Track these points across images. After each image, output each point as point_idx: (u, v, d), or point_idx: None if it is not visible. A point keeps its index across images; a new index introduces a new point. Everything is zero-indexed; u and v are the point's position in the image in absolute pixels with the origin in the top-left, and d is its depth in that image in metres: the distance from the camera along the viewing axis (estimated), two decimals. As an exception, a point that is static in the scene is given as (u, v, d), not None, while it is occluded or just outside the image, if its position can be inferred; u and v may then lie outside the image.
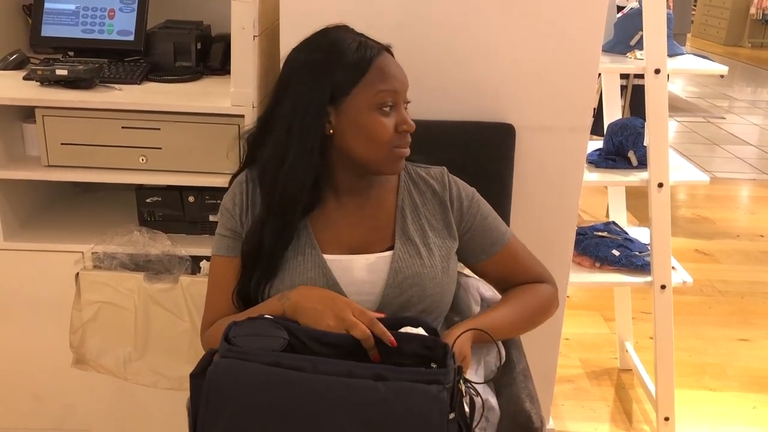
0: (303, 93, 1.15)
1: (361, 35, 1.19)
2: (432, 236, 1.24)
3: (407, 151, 1.20)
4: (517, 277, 1.33)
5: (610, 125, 2.13)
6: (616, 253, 1.98)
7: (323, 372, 0.97)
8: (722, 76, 2.11)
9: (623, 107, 4.06)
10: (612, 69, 2.09)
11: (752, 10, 10.18)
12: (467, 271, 1.44)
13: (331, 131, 1.16)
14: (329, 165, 1.19)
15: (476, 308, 1.33)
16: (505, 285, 1.34)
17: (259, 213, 1.20)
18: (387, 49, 1.20)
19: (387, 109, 1.15)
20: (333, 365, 0.98)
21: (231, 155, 1.29)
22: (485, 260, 1.31)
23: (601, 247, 2.01)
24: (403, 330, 1.10)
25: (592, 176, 2.00)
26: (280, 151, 1.16)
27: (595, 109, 3.04)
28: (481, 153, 1.55)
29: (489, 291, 1.37)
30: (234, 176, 1.28)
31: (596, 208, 3.76)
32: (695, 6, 10.29)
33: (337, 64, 1.14)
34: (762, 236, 3.77)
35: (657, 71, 1.81)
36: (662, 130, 1.87)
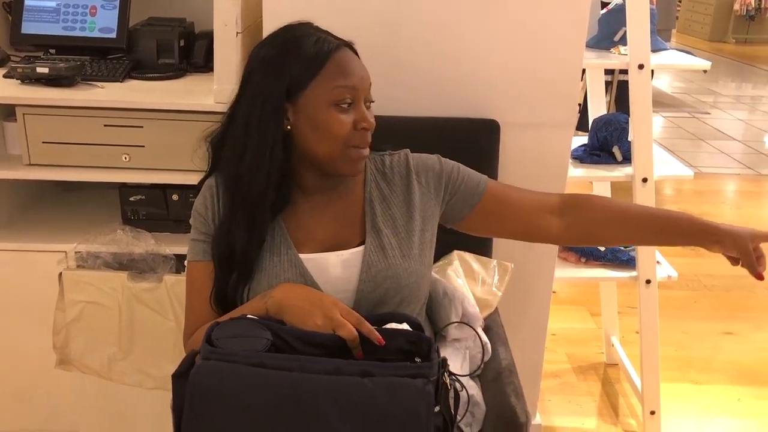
0: (260, 89, 1.14)
1: (324, 32, 1.18)
2: (404, 224, 1.23)
3: (366, 152, 1.18)
4: (526, 205, 1.30)
5: (595, 121, 2.13)
6: (601, 248, 1.99)
7: (310, 371, 0.97)
8: (705, 71, 2.12)
9: (608, 103, 4.09)
10: (596, 64, 2.10)
11: (736, 6, 10.25)
12: (456, 284, 1.43)
13: (289, 127, 1.15)
14: (293, 163, 1.18)
15: (455, 319, 1.32)
16: (521, 218, 1.30)
17: (225, 214, 1.18)
18: (349, 45, 1.18)
19: (345, 105, 1.13)
20: (319, 363, 0.98)
21: (195, 158, 1.27)
22: (477, 203, 1.29)
23: (587, 242, 2.02)
24: (388, 326, 1.10)
25: (577, 172, 2.00)
26: (240, 149, 1.15)
27: (580, 104, 3.05)
28: (465, 149, 1.53)
29: (472, 308, 1.37)
30: (202, 180, 1.26)
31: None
32: (680, 2, 10.35)
33: (294, 58, 1.13)
34: (747, 230, 3.80)
35: (640, 66, 1.82)
36: (646, 125, 1.88)
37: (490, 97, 1.63)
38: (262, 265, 1.17)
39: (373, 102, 1.20)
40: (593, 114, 2.34)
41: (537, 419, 2.03)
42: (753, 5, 10.15)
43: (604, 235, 1.34)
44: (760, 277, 1.23)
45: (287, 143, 1.15)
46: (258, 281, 1.16)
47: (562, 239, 1.35)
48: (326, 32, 1.18)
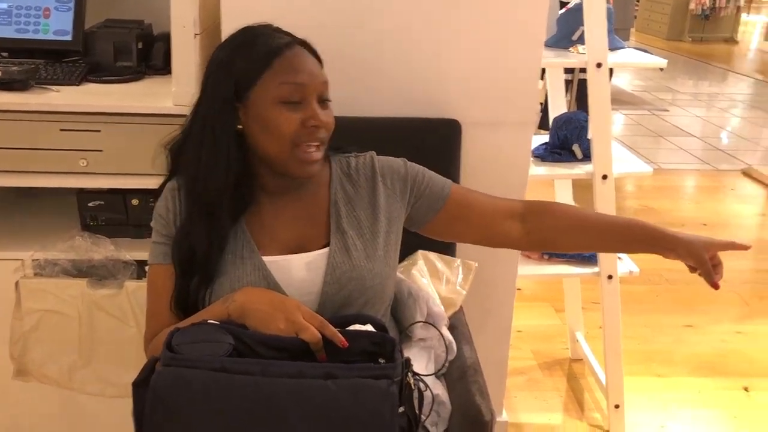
0: (213, 90, 1.15)
1: (282, 32, 1.18)
2: (369, 226, 1.23)
3: (316, 154, 1.16)
4: (489, 210, 1.30)
5: (555, 119, 2.16)
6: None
7: (272, 374, 0.96)
8: (662, 69, 2.16)
9: (569, 101, 4.14)
10: (555, 63, 2.13)
11: (692, 6, 10.48)
12: (420, 284, 1.43)
13: (242, 127, 1.15)
14: (252, 164, 1.18)
15: (420, 319, 1.32)
16: (484, 223, 1.31)
17: (184, 217, 1.18)
18: (303, 43, 1.18)
19: (293, 103, 1.13)
20: (282, 367, 0.98)
21: (156, 162, 1.27)
22: (442, 208, 1.29)
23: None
24: (351, 328, 1.09)
25: (539, 170, 2.02)
26: (197, 151, 1.15)
27: (542, 104, 3.08)
28: (427, 149, 1.54)
29: (437, 307, 1.37)
30: (163, 183, 1.25)
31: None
32: (638, 1, 10.54)
33: (243, 57, 1.13)
34: (705, 225, 3.88)
35: (598, 65, 1.85)
36: (605, 123, 1.91)
37: (450, 97, 1.64)
38: (224, 268, 1.16)
39: (329, 101, 1.18)
40: (554, 113, 2.36)
41: (504, 416, 2.05)
42: (708, 5, 10.38)
43: (562, 242, 1.35)
44: (715, 286, 1.24)
45: (242, 143, 1.15)
46: (220, 285, 1.15)
47: (522, 245, 1.37)
48: (284, 32, 1.18)
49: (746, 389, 2.39)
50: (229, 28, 1.52)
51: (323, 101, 1.17)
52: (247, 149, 1.16)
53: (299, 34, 1.19)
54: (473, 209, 1.31)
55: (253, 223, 1.20)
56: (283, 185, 1.21)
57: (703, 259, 1.23)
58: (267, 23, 1.20)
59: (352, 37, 1.58)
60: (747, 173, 4.72)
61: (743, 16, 10.85)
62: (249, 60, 1.13)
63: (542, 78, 2.51)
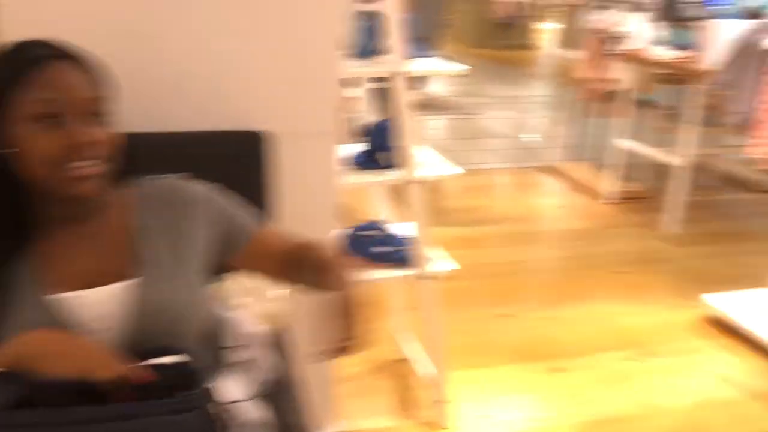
0: None
1: (49, 46, 1.08)
2: (179, 254, 1.16)
3: (89, 170, 1.06)
4: (274, 253, 1.28)
5: (369, 127, 2.20)
6: (374, 250, 2.06)
7: (59, 423, 0.87)
8: (463, 76, 2.28)
9: (383, 109, 4.25)
10: (357, 73, 2.17)
11: (495, 15, 11.24)
12: (237, 305, 1.38)
13: (4, 151, 1.05)
14: (28, 192, 1.07)
15: (237, 342, 1.28)
16: (279, 260, 1.28)
17: None
18: (69, 57, 1.08)
19: (50, 121, 1.03)
20: (73, 414, 0.89)
21: None
22: (244, 246, 1.26)
23: (365, 245, 2.07)
24: (158, 361, 1.03)
25: (356, 178, 2.05)
26: None
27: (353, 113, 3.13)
28: (229, 163, 1.49)
29: (255, 327, 1.34)
30: None
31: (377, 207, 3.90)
32: (447, 11, 11.10)
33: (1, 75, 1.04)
34: (519, 220, 4.16)
35: (398, 73, 1.91)
36: (409, 129, 1.97)
37: (250, 109, 1.59)
38: (5, 311, 1.04)
39: (101, 117, 1.09)
40: (369, 120, 2.41)
41: (338, 425, 2.04)
42: (509, 14, 11.19)
43: (283, 277, 1.31)
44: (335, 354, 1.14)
45: (7, 170, 1.05)
46: (2, 330, 1.03)
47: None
48: (54, 47, 1.07)
49: (560, 370, 2.58)
50: (9, 39, 1.39)
51: (93, 118, 1.07)
52: (14, 176, 1.05)
53: (88, 47, 1.10)
54: (267, 252, 1.28)
55: (40, 259, 1.09)
56: (68, 212, 1.11)
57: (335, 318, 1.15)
58: (44, 38, 1.09)
59: (144, 51, 1.49)
60: (549, 169, 5.12)
61: (539, 25, 11.79)
62: (4, 78, 1.03)
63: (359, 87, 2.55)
